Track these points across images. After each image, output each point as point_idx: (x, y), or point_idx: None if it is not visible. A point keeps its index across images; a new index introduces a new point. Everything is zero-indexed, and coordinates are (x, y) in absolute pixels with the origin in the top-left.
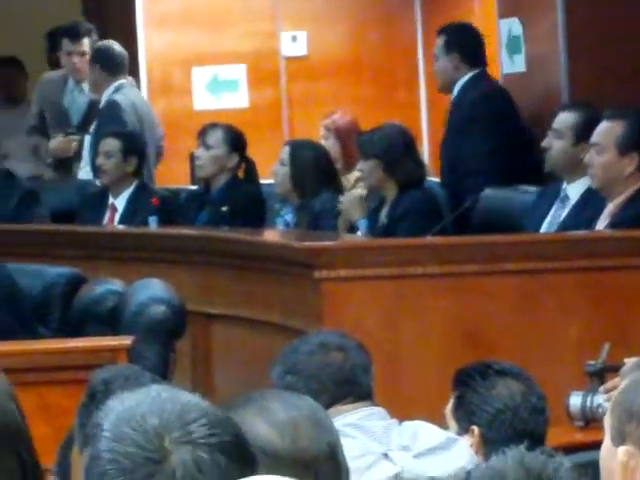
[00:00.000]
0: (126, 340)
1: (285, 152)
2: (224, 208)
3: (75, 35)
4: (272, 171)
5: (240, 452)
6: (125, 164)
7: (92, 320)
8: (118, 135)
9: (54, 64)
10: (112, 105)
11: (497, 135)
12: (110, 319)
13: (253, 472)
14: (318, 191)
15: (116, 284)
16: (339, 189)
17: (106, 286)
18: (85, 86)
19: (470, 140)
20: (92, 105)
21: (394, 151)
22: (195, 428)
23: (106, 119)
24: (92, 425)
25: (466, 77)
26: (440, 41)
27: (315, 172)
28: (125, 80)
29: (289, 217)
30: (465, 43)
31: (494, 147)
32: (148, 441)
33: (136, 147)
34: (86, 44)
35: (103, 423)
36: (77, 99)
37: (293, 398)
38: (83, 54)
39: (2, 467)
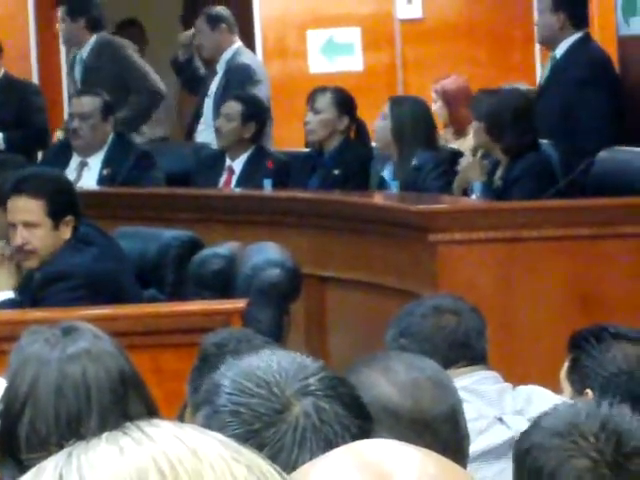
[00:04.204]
0: (240, 303)
1: (386, 107)
2: (336, 171)
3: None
4: (374, 125)
5: (358, 406)
6: (243, 129)
7: (198, 284)
8: (241, 99)
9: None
10: (244, 68)
11: (614, 98)
12: (214, 283)
13: (371, 427)
14: (416, 146)
15: (224, 247)
16: (436, 146)
17: (212, 250)
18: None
19: (585, 101)
20: (88, 64)
21: (498, 117)
22: (314, 382)
23: (236, 82)
24: (208, 385)
25: (573, 37)
26: None
27: (413, 126)
28: (240, 42)
29: (387, 173)
30: (574, 4)
31: (612, 109)
32: (269, 392)
33: (257, 113)
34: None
35: (221, 381)
36: (78, 63)
37: (416, 360)
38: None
39: (134, 412)
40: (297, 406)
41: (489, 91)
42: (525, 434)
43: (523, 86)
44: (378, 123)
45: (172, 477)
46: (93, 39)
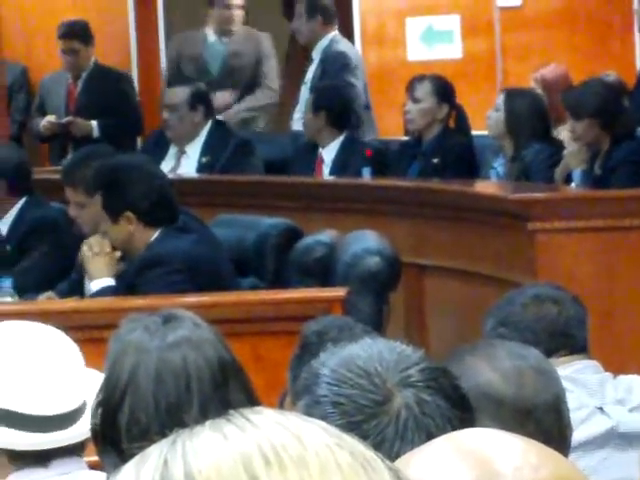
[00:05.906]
0: (340, 291)
1: (500, 98)
2: (435, 160)
3: None
4: (486, 115)
5: (459, 397)
6: (315, 118)
7: (300, 271)
8: (314, 89)
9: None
10: (340, 56)
11: None
12: (316, 270)
13: (472, 418)
14: (531, 140)
15: (326, 235)
16: (552, 141)
17: (314, 237)
18: (225, 39)
19: None
20: (232, 56)
21: (609, 108)
22: (414, 373)
23: (332, 70)
24: (308, 374)
25: None
26: None
27: (529, 120)
28: (336, 31)
29: (500, 168)
30: None
31: None
32: (371, 383)
33: (324, 102)
34: None
35: (321, 370)
36: (216, 51)
37: (519, 348)
38: (240, 7)
39: (234, 400)
40: (398, 397)
41: (575, 89)
42: None
43: (611, 77)
44: (491, 114)
45: (277, 463)
46: (243, 29)
